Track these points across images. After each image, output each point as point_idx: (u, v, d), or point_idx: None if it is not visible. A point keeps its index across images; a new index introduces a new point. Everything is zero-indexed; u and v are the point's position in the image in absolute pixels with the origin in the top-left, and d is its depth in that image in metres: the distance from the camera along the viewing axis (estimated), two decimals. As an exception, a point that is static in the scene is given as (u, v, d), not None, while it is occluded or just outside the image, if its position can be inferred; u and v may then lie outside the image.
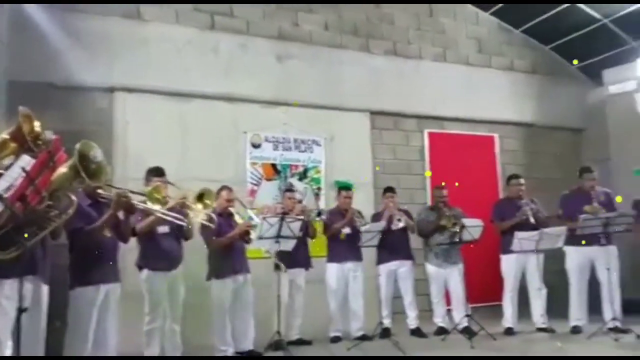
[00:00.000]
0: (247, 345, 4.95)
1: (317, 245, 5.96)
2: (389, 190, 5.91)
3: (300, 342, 5.40)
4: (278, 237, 4.82)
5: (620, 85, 7.35)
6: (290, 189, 5.90)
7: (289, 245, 4.98)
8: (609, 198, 5.75)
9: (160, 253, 4.50)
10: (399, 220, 5.66)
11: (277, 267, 5.17)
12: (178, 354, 4.60)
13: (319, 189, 6.56)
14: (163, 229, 4.52)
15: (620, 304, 5.48)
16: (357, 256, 5.70)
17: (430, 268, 5.92)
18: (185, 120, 6.01)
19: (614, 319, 5.31)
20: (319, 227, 5.84)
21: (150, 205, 4.00)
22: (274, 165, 6.41)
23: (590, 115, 8.06)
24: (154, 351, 4.47)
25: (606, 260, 5.40)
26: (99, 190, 3.70)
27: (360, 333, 5.58)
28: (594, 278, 5.68)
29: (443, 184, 6.02)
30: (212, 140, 6.07)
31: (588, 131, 8.19)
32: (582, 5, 7.00)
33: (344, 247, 5.66)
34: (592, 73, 8.07)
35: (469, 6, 7.84)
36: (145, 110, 5.83)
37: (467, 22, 7.82)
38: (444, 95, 7.28)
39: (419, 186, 7.13)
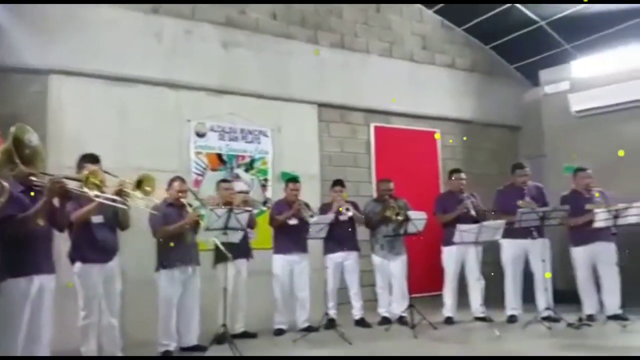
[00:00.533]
0: (191, 339, 4.83)
1: (263, 237, 5.90)
2: (338, 183, 5.93)
3: (245, 334, 5.33)
4: (226, 228, 4.72)
5: (555, 86, 7.72)
6: (225, 179, 5.74)
7: (236, 237, 4.89)
8: (540, 192, 6.04)
9: (94, 244, 4.27)
10: (347, 209, 5.69)
11: (219, 259, 5.06)
12: (117, 350, 4.41)
13: (265, 180, 6.48)
14: (97, 218, 4.30)
15: (552, 294, 5.76)
16: (302, 248, 5.69)
17: (376, 259, 6.03)
18: (125, 107, 5.76)
19: (547, 308, 5.57)
20: (263, 218, 5.77)
21: (87, 190, 3.79)
22: (219, 156, 6.26)
23: (526, 114, 8.43)
24: (91, 347, 4.26)
25: (540, 253, 5.65)
26: (32, 177, 3.46)
27: (306, 324, 5.58)
28: (528, 269, 5.95)
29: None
30: (153, 128, 5.85)
31: (524, 129, 8.58)
32: (520, 7, 7.27)
33: (290, 239, 5.63)
34: (529, 73, 8.43)
35: (414, 3, 7.96)
36: (82, 94, 5.54)
37: (412, 19, 7.95)
38: (389, 90, 7.37)
39: (365, 179, 7.20)
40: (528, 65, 8.37)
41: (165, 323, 4.68)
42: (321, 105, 6.96)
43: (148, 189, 4.30)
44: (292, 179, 5.84)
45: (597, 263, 5.71)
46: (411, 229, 5.54)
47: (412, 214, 5.56)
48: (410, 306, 5.48)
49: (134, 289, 4.82)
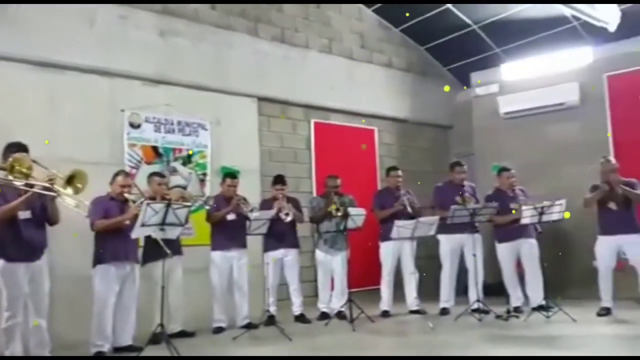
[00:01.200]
0: (126, 339, 4.65)
1: (201, 233, 5.77)
2: (279, 180, 5.88)
3: (183, 334, 5.18)
4: (163, 224, 4.55)
5: (485, 88, 8.06)
6: (159, 173, 5.51)
7: (174, 233, 4.72)
8: (473, 190, 6.31)
9: (19, 241, 4.02)
10: (287, 214, 5.66)
11: (152, 256, 4.87)
12: (45, 351, 4.16)
13: (204, 174, 6.32)
14: (24, 214, 4.05)
15: (482, 287, 6.03)
16: (242, 243, 5.61)
17: (319, 254, 6.08)
18: (55, 94, 5.41)
19: (477, 300, 5.83)
20: (200, 214, 5.65)
21: (12, 179, 3.55)
22: (155, 148, 6.03)
23: (457, 114, 8.77)
24: (16, 349, 3.99)
25: (473, 247, 5.90)
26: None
27: (245, 322, 5.52)
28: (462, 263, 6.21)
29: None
30: (84, 118, 5.53)
31: (455, 128, 8.92)
32: (455, 10, 7.54)
33: (229, 235, 5.53)
34: (461, 75, 8.77)
35: (354, 3, 8.04)
36: (9, 80, 5.15)
37: (351, 17, 8.03)
38: (329, 87, 7.43)
39: (305, 175, 7.22)
40: (460, 67, 8.71)
41: (100, 322, 4.46)
42: (261, 99, 6.88)
43: (79, 185, 4.09)
44: (229, 174, 5.73)
45: (521, 258, 6.05)
46: (350, 224, 5.61)
47: (352, 210, 5.63)
48: (349, 301, 5.56)
49: (64, 288, 4.57)
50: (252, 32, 6.95)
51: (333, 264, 5.99)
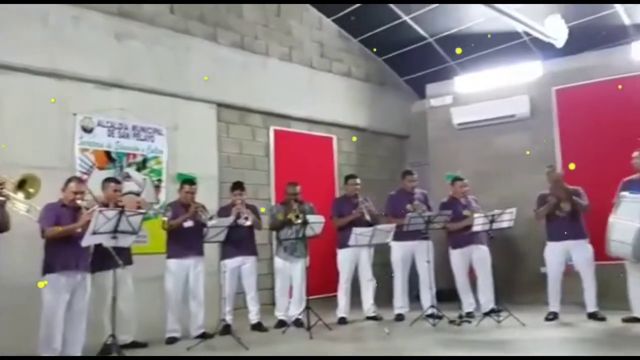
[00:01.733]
0: (76, 350, 4.46)
1: (155, 241, 5.66)
2: (238, 186, 5.84)
3: (135, 344, 5.03)
4: (115, 232, 4.43)
5: (439, 99, 8.26)
6: (114, 178, 5.37)
7: (127, 241, 4.61)
8: (425, 197, 6.47)
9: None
10: (246, 218, 5.62)
11: (102, 266, 4.70)
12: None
13: (159, 180, 6.20)
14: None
15: (435, 292, 6.15)
16: (198, 251, 5.52)
17: (278, 261, 6.07)
18: (2, 96, 5.19)
19: (431, 306, 5.95)
20: (155, 222, 5.54)
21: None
22: (108, 153, 5.88)
23: (413, 124, 8.95)
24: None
25: (426, 254, 6.02)
26: None
27: (200, 331, 5.42)
28: (414, 270, 6.33)
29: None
30: (34, 121, 5.34)
31: (411, 138, 9.10)
32: (412, 23, 7.72)
33: (185, 242, 5.44)
34: (417, 86, 8.96)
35: (314, 10, 8.11)
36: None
37: (311, 26, 8.09)
38: (289, 94, 7.44)
39: (264, 182, 7.19)
40: (416, 79, 8.90)
41: (47, 333, 4.27)
42: (220, 105, 6.82)
43: (31, 190, 3.95)
44: (187, 181, 5.64)
45: (473, 264, 6.22)
46: (309, 232, 5.62)
47: (310, 217, 5.64)
48: (307, 308, 5.55)
49: (10, 297, 4.37)
50: (211, 37, 6.89)
51: (292, 272, 5.98)
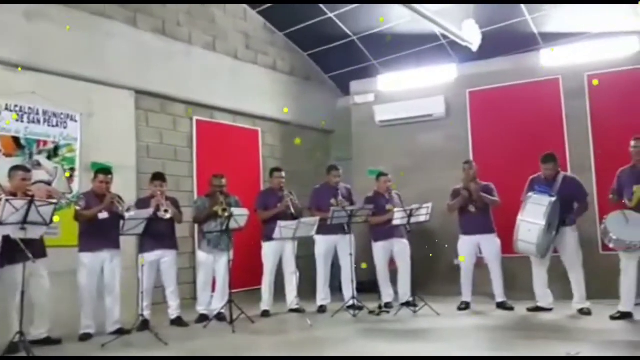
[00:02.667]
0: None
1: (67, 233, 5.35)
2: (159, 177, 5.65)
3: (48, 341, 4.75)
4: (24, 223, 4.15)
5: (363, 97, 8.44)
6: (23, 166, 4.97)
7: (37, 232, 4.34)
8: (349, 192, 6.62)
9: None
10: (166, 211, 5.45)
11: (11, 259, 4.40)
12: None
13: (72, 169, 5.83)
14: None
15: (356, 284, 6.31)
16: (114, 244, 5.29)
17: (201, 255, 5.94)
18: None
19: (352, 297, 6.09)
20: (67, 214, 5.24)
21: None
22: (16, 139, 5.46)
23: (338, 120, 9.07)
24: None
25: (348, 247, 6.16)
26: None
27: (116, 327, 5.21)
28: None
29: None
30: None
31: (336, 133, 9.23)
32: (337, 21, 7.82)
33: (100, 235, 5.19)
34: (341, 83, 9.10)
35: (239, 4, 7.99)
36: None
37: (236, 16, 7.96)
38: (212, 85, 7.27)
39: (186, 174, 6.96)
40: (341, 75, 9.03)
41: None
42: (139, 92, 6.53)
43: None
44: (102, 170, 5.39)
45: (394, 256, 6.45)
46: (233, 225, 5.56)
47: (235, 210, 5.58)
48: (230, 302, 5.49)
49: None
50: (131, 22, 6.59)
51: (216, 265, 5.89)
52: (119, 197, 5.29)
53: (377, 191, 6.59)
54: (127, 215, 5.06)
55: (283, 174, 6.36)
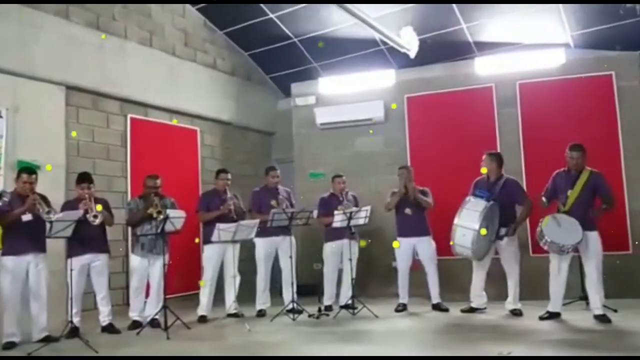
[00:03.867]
0: None
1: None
2: (85, 178, 5.38)
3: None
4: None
5: (303, 99, 8.42)
6: None
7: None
8: (289, 195, 6.58)
9: None
10: (95, 216, 5.20)
11: None
12: None
13: (-6, 167, 5.47)
14: None
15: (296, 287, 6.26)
16: (39, 247, 5.01)
17: (135, 259, 5.71)
18: None
19: (292, 301, 6.05)
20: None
21: None
22: None
23: (279, 121, 9.02)
24: None
25: (289, 250, 6.12)
26: None
27: (43, 334, 4.92)
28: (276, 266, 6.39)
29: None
30: None
31: (277, 135, 9.17)
32: (278, 22, 7.76)
33: (24, 238, 4.90)
34: (282, 84, 9.05)
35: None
36: None
37: (174, 12, 7.73)
38: (148, 82, 7.02)
39: (119, 173, 6.66)
40: (282, 77, 8.99)
41: None
42: (70, 87, 6.19)
43: None
44: (25, 169, 5.07)
45: (342, 257, 6.42)
46: (169, 227, 5.38)
47: (171, 212, 5.41)
48: (164, 307, 5.31)
49: None
50: (63, 14, 6.25)
51: (150, 269, 5.68)
52: (44, 198, 4.99)
53: (332, 192, 6.60)
54: (53, 217, 4.77)
55: (229, 175, 6.23)
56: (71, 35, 6.24)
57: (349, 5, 6.14)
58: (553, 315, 5.33)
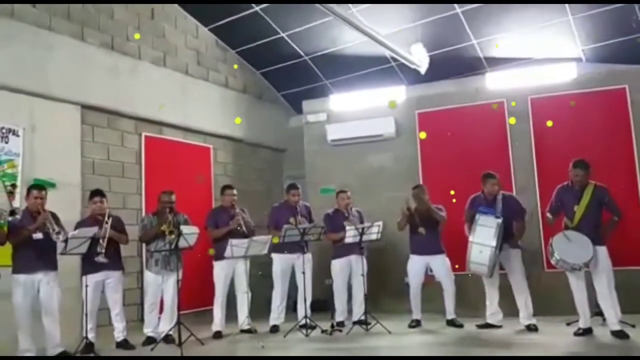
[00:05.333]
0: None
1: (4, 253, 5.05)
2: (97, 194, 5.46)
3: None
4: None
5: (315, 116, 8.50)
6: None
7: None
8: (308, 210, 6.59)
9: None
10: (106, 222, 5.26)
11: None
12: None
13: (13, 186, 5.48)
14: None
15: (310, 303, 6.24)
16: (51, 265, 5.05)
17: (149, 275, 5.74)
18: None
19: (305, 317, 6.01)
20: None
21: None
22: (-47, 154, 5.18)
23: (290, 138, 9.08)
24: None
25: (303, 266, 6.11)
26: None
27: (58, 350, 4.95)
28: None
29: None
30: None
31: (288, 151, 9.23)
32: (289, 40, 7.87)
33: (34, 256, 4.93)
34: (294, 101, 9.14)
35: (190, 17, 7.92)
36: None
37: (187, 32, 7.88)
38: (162, 100, 7.12)
39: (134, 191, 6.75)
40: (293, 94, 9.08)
41: None
42: (85, 107, 6.31)
43: None
44: (35, 186, 5.13)
45: (351, 274, 6.42)
46: (182, 243, 5.40)
47: (185, 228, 5.44)
48: (178, 323, 5.32)
49: None
50: (78, 36, 6.40)
51: (164, 285, 5.71)
52: (54, 216, 5.05)
53: (337, 208, 6.60)
54: (62, 237, 4.84)
55: (235, 191, 6.27)
56: (86, 55, 6.38)
57: (359, 24, 6.23)
58: (586, 332, 5.21)
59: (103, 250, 5.14)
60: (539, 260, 6.53)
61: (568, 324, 5.55)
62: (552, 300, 5.77)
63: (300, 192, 6.49)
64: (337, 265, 6.45)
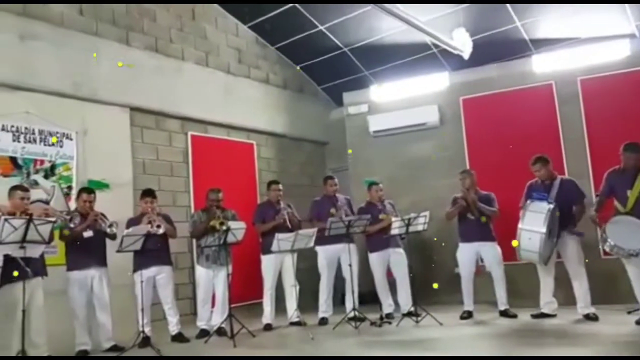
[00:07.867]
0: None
1: (64, 252, 5.31)
2: (149, 194, 5.65)
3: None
4: (24, 241, 4.14)
5: (356, 107, 8.47)
6: (22, 186, 4.99)
7: (36, 251, 4.34)
8: (349, 203, 6.60)
9: None
10: (159, 226, 5.43)
11: (10, 278, 4.38)
12: None
13: (69, 187, 5.80)
14: None
15: (357, 295, 6.24)
16: (101, 262, 5.30)
17: (200, 270, 5.89)
18: None
19: (354, 309, 6.01)
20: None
21: None
22: (13, 159, 5.44)
23: (332, 131, 9.10)
24: None
25: (349, 258, 6.10)
26: None
27: (110, 344, 5.19)
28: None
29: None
30: None
31: (330, 144, 9.24)
32: (327, 33, 7.86)
33: (86, 253, 5.19)
34: (334, 94, 9.13)
35: (230, 16, 8.03)
36: None
37: (227, 31, 7.99)
38: (205, 99, 7.29)
39: (183, 189, 6.94)
40: (333, 87, 9.07)
41: None
42: (133, 109, 6.52)
43: None
44: (84, 189, 5.41)
45: (391, 267, 6.40)
46: (230, 238, 5.51)
47: (232, 223, 5.55)
48: (230, 316, 5.44)
49: None
50: (123, 40, 6.60)
51: (215, 280, 5.84)
52: (102, 215, 5.29)
53: (369, 201, 6.57)
54: (110, 231, 5.16)
55: (280, 186, 6.35)
56: (132, 59, 6.56)
57: (398, 11, 6.13)
58: None
59: (159, 224, 5.38)
60: (595, 247, 6.28)
61: (629, 312, 5.34)
62: (609, 288, 5.55)
63: (337, 183, 6.52)
64: (374, 259, 6.42)
